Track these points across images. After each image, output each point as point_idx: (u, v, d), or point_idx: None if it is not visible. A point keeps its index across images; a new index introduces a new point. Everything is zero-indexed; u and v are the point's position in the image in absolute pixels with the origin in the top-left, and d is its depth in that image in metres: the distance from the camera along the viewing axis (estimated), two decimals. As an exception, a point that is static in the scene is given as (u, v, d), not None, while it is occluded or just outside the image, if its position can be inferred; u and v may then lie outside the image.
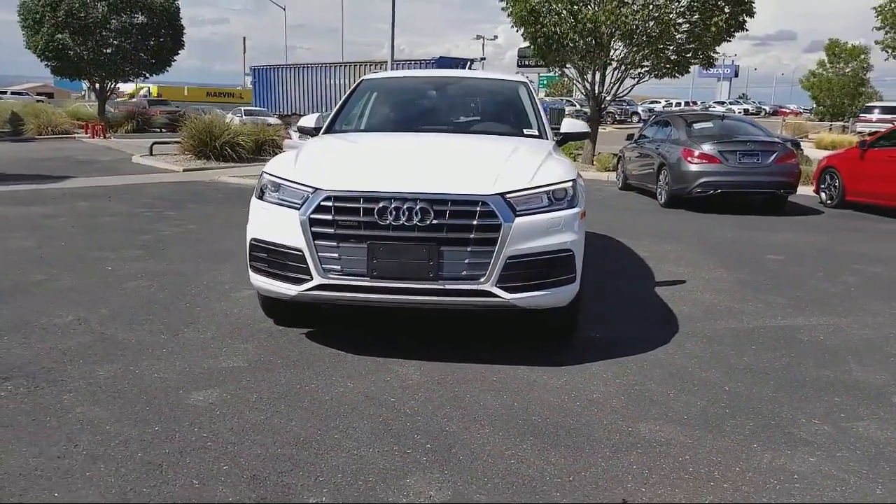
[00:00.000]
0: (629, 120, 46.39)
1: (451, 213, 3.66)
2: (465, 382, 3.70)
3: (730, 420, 3.35)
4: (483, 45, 54.61)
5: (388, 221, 3.65)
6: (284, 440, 3.00)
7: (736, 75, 74.26)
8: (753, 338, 4.63)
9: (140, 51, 27.91)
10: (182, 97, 49.73)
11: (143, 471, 2.72)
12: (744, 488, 2.73)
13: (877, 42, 18.59)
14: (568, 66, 17.33)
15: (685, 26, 15.58)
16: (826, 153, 17.45)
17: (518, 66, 40.87)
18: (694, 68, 19.57)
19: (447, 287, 3.70)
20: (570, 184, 4.01)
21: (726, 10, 14.78)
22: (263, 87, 35.88)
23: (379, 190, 3.70)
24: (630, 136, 13.98)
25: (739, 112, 48.47)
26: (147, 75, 29.86)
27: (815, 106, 43.64)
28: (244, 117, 26.81)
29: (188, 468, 2.75)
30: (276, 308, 4.47)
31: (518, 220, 3.70)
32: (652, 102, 55.44)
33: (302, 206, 3.79)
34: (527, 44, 17.21)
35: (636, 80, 16.98)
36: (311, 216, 3.73)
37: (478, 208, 3.67)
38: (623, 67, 16.50)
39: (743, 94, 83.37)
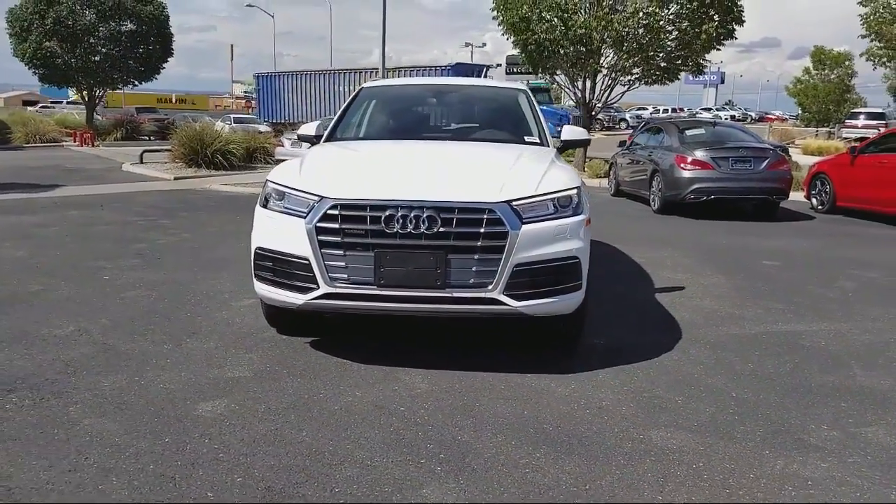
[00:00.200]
0: (617, 126, 46.65)
1: (458, 221, 3.66)
2: (473, 391, 3.69)
3: (740, 426, 3.36)
4: (472, 52, 54.80)
5: (395, 229, 3.64)
6: (297, 451, 2.98)
7: (722, 82, 74.95)
8: (756, 344, 4.65)
9: (129, 58, 27.82)
10: (127, 103, 47.53)
11: (156, 483, 2.69)
12: (760, 495, 2.74)
13: (862, 54, 18.83)
14: (558, 73, 17.41)
15: (675, 33, 15.71)
16: (813, 159, 17.65)
17: (506, 73, 40.99)
18: (681, 75, 19.72)
19: (455, 295, 3.70)
20: (574, 191, 4.02)
21: (716, 17, 14.92)
22: (267, 94, 35.34)
23: (386, 198, 3.69)
24: (622, 143, 14.05)
25: (726, 118, 48.85)
26: (136, 83, 29.74)
27: (800, 112, 44.12)
28: (234, 125, 26.74)
29: (202, 480, 2.72)
30: (279, 317, 4.44)
31: (525, 227, 3.71)
32: (639, 109, 55.76)
33: (308, 214, 3.77)
34: (515, 51, 17.28)
35: (626, 87, 17.09)
36: (318, 224, 3.72)
37: (485, 216, 3.67)
38: (613, 74, 16.60)
39: (729, 101, 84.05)
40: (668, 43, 15.60)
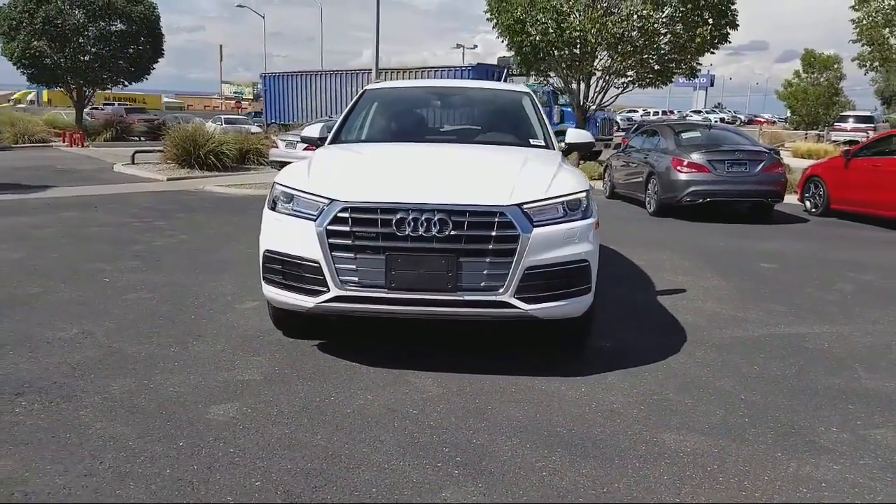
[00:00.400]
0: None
1: (470, 225, 3.66)
2: (484, 394, 3.70)
3: (750, 429, 3.39)
4: (463, 53, 54.87)
5: (406, 232, 3.64)
6: (313, 454, 2.97)
7: (711, 85, 75.35)
8: (760, 346, 4.68)
9: (118, 58, 27.63)
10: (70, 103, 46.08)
11: (173, 488, 2.67)
12: (776, 497, 2.76)
13: (854, 59, 19.00)
14: (552, 75, 17.47)
15: (668, 36, 15.80)
16: (803, 161, 17.80)
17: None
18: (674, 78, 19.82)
19: (466, 298, 3.70)
20: (583, 194, 4.04)
21: (710, 21, 15.02)
22: (273, 94, 34.91)
23: (397, 201, 3.69)
24: (617, 146, 14.11)
25: (716, 121, 49.24)
26: (126, 83, 29.55)
27: (789, 115, 44.46)
28: (224, 125, 26.63)
29: (219, 484, 2.71)
30: (287, 320, 4.43)
31: (536, 230, 3.72)
32: (630, 111, 56.02)
33: (318, 217, 3.77)
34: (505, 53, 17.34)
35: (620, 89, 17.17)
36: (328, 227, 3.71)
37: (496, 219, 3.68)
38: (607, 77, 16.67)
39: (719, 104, 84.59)
40: (663, 46, 15.68)
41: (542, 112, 5.48)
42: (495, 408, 3.52)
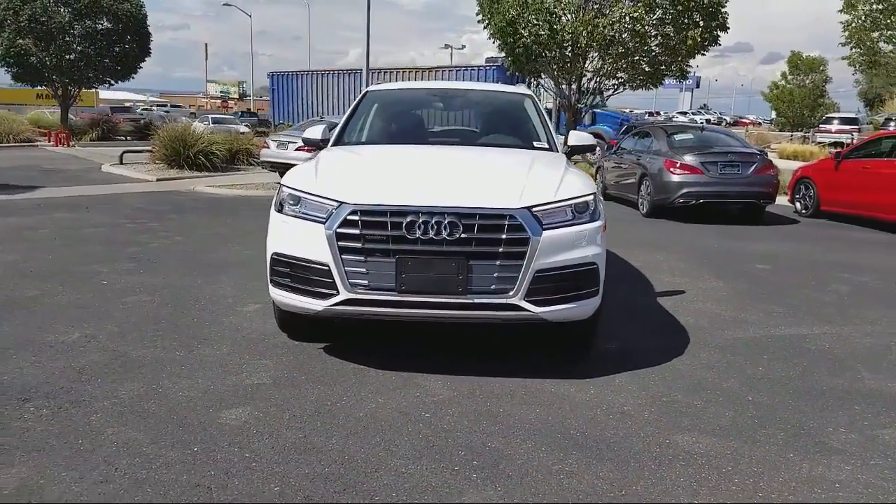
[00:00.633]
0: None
1: (480, 227, 3.67)
2: (494, 397, 3.70)
3: (760, 430, 3.42)
4: (451, 54, 54.86)
5: (416, 235, 3.64)
6: (329, 459, 2.96)
7: (697, 86, 75.85)
8: (763, 347, 4.72)
9: (105, 57, 27.36)
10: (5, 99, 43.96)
11: (192, 494, 2.66)
12: (791, 499, 2.79)
13: (844, 58, 19.24)
14: (543, 76, 17.52)
15: (659, 39, 15.89)
16: (789, 162, 17.97)
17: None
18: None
19: (476, 301, 3.70)
20: (591, 197, 4.05)
21: (700, 23, 15.12)
22: (281, 94, 34.47)
23: (407, 204, 3.68)
24: (609, 147, 14.17)
25: (702, 122, 49.58)
26: (112, 82, 29.27)
27: (775, 116, 44.85)
28: (211, 125, 26.45)
29: (238, 490, 2.69)
30: (293, 323, 4.41)
31: (545, 233, 3.73)
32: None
33: (327, 220, 3.75)
34: (493, 53, 17.43)
35: (610, 90, 17.24)
36: (338, 230, 3.70)
37: (506, 222, 3.68)
38: (598, 78, 16.75)
39: (704, 105, 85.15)
40: (654, 48, 15.77)
41: (545, 114, 5.49)
42: (507, 410, 3.53)
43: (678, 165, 10.76)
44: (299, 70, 34.91)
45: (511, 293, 3.70)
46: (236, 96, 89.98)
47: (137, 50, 28.16)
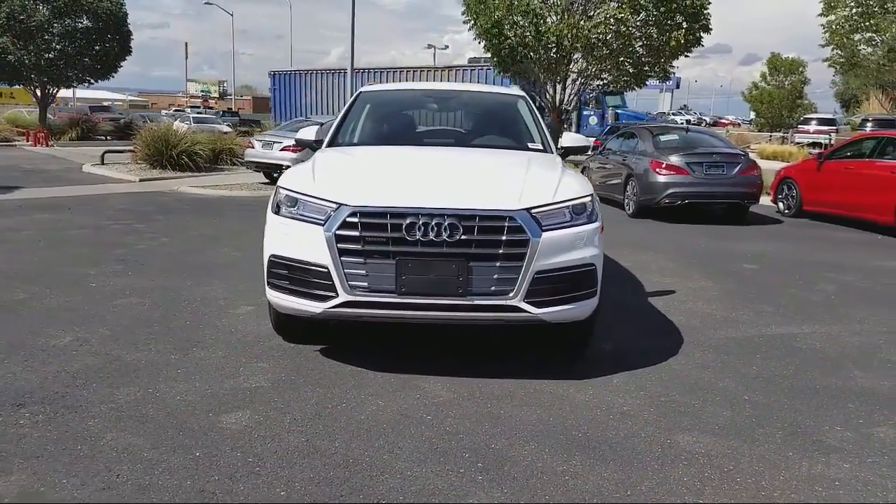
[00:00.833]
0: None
1: (480, 229, 3.67)
2: (494, 398, 3.71)
3: (758, 429, 3.45)
4: (434, 54, 54.85)
5: (416, 237, 3.63)
6: (333, 462, 2.95)
7: (677, 87, 76.34)
8: (755, 347, 4.77)
9: (85, 56, 27.01)
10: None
11: (197, 500, 2.63)
12: (794, 497, 2.82)
13: (825, 60, 19.54)
14: (528, 77, 17.57)
15: (643, 40, 16.01)
16: (769, 163, 18.18)
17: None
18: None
19: (476, 303, 3.71)
20: (588, 198, 4.08)
21: (684, 25, 15.26)
22: (282, 93, 34.11)
23: (407, 205, 3.68)
24: (594, 148, 14.25)
25: (682, 122, 49.98)
26: (92, 81, 28.90)
27: (754, 117, 45.38)
28: (193, 124, 26.22)
29: (244, 495, 2.67)
30: (288, 326, 4.38)
31: (545, 234, 3.74)
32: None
33: (326, 222, 3.73)
34: (476, 54, 17.47)
35: (595, 91, 17.33)
36: (337, 232, 3.68)
37: (506, 223, 3.69)
38: (583, 79, 16.83)
39: (684, 106, 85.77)
40: (638, 49, 15.89)
41: (539, 115, 5.51)
42: (508, 412, 3.54)
43: (664, 166, 10.84)
44: (301, 69, 34.66)
45: (511, 294, 3.71)
46: (217, 95, 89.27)
47: (118, 48, 27.85)
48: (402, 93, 6.38)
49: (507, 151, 4.97)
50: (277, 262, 3.94)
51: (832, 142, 26.30)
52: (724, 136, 13.05)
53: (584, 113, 20.95)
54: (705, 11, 15.54)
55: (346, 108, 5.55)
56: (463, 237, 3.64)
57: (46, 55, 26.21)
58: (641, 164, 11.27)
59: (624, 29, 15.41)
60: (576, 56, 16.30)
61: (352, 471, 2.88)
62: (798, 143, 30.64)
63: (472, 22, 16.00)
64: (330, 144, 5.15)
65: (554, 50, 15.75)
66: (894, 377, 4.25)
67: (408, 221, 3.63)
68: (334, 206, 3.75)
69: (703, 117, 70.36)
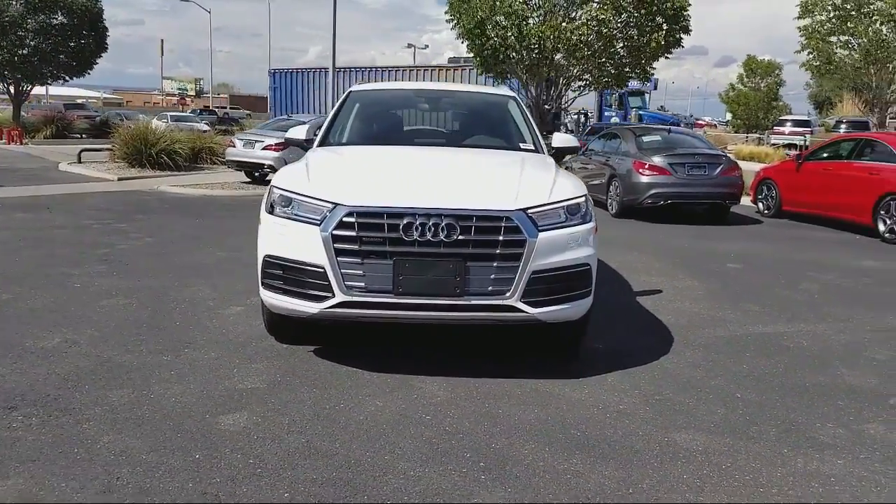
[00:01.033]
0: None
1: (477, 229, 3.67)
2: (492, 397, 3.72)
3: (753, 426, 3.50)
4: (414, 53, 54.82)
5: (413, 237, 3.63)
6: (335, 463, 2.94)
7: (655, 88, 77.05)
8: (743, 345, 4.84)
9: (60, 52, 26.55)
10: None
11: (200, 501, 2.60)
12: (791, 493, 2.86)
13: (802, 65, 19.87)
14: (510, 77, 17.63)
15: (623, 41, 16.14)
16: (745, 163, 18.39)
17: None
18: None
19: (473, 303, 3.71)
20: (583, 199, 4.11)
21: (664, 26, 15.40)
22: (282, 91, 33.82)
23: (404, 205, 3.67)
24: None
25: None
26: (67, 78, 28.42)
27: (730, 118, 45.97)
28: (171, 123, 25.92)
29: (248, 497, 2.65)
30: (282, 326, 4.35)
31: (541, 235, 3.76)
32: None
33: (322, 222, 3.72)
34: (453, 54, 17.52)
35: (577, 92, 17.44)
36: (334, 232, 3.67)
37: (502, 224, 3.70)
38: (565, 80, 16.92)
39: (661, 107, 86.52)
40: (619, 50, 16.01)
41: (530, 116, 5.53)
42: (506, 411, 3.55)
43: (647, 167, 10.94)
44: (301, 67, 34.52)
45: (508, 294, 3.72)
46: (193, 93, 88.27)
47: (93, 45, 27.39)
48: (392, 92, 6.37)
49: (501, 152, 4.98)
50: (272, 263, 3.91)
51: (807, 143, 26.75)
52: (704, 137, 13.18)
53: (606, 114, 20.72)
54: (685, 13, 15.72)
55: (336, 107, 5.53)
56: (460, 237, 3.64)
57: (20, 51, 25.71)
58: (624, 165, 11.36)
59: (605, 30, 15.51)
60: (557, 57, 16.38)
61: (355, 472, 2.88)
62: (774, 145, 31.10)
63: (456, 21, 16.03)
64: (321, 144, 5.13)
65: (536, 51, 15.81)
66: (880, 375, 4.33)
67: (405, 221, 3.63)
68: (330, 205, 3.74)
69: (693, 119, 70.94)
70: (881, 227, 9.57)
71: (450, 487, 2.79)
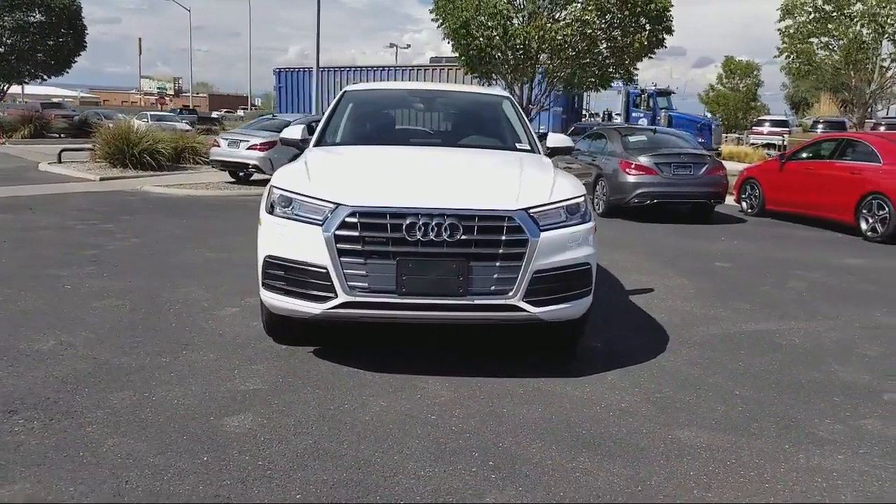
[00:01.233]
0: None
1: (480, 229, 3.69)
2: (495, 397, 3.73)
3: (753, 423, 3.55)
4: (396, 53, 54.73)
5: (416, 237, 3.64)
6: (345, 464, 2.93)
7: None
8: (738, 343, 4.90)
9: (38, 51, 26.16)
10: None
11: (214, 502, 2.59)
12: (796, 488, 2.91)
13: (782, 68, 20.17)
14: (495, 76, 17.68)
15: (607, 42, 16.26)
16: (727, 163, 18.60)
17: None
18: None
19: (476, 302, 3.73)
20: (582, 199, 4.13)
21: (647, 27, 15.53)
22: (288, 91, 33.61)
23: (407, 205, 3.67)
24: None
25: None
26: (45, 77, 28.01)
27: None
28: (151, 122, 25.64)
29: (260, 499, 2.64)
30: (281, 327, 4.33)
31: (543, 234, 3.78)
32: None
33: (324, 222, 3.71)
34: (434, 53, 17.56)
35: (560, 92, 17.51)
36: (337, 233, 3.66)
37: (505, 223, 3.72)
38: (549, 80, 16.99)
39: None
40: (603, 51, 16.12)
41: (524, 116, 5.56)
42: (510, 410, 3.56)
43: (633, 166, 11.03)
44: (307, 66, 34.31)
45: (510, 294, 3.74)
46: (172, 93, 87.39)
47: (72, 43, 27.04)
48: (387, 92, 6.36)
49: (498, 152, 5.00)
50: (273, 263, 3.90)
51: (785, 143, 27.12)
52: (688, 137, 13.31)
53: (634, 115, 20.20)
54: (668, 13, 15.87)
55: (331, 107, 5.51)
56: (463, 237, 3.65)
57: (-4, 50, 25.34)
58: (611, 165, 11.45)
59: (589, 31, 15.61)
60: (542, 57, 16.46)
61: (365, 472, 2.87)
62: (753, 144, 31.51)
63: (441, 21, 16.05)
64: (318, 144, 5.11)
65: (521, 51, 15.86)
66: (873, 371, 4.41)
67: (408, 222, 3.63)
68: (332, 205, 3.73)
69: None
70: (863, 226, 9.73)
71: (461, 487, 2.80)
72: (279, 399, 3.59)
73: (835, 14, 18.22)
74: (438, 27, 16.20)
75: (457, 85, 12.04)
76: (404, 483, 2.80)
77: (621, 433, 3.36)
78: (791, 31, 19.20)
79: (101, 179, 14.71)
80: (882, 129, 26.10)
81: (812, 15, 18.47)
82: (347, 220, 3.67)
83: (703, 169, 11.10)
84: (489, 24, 15.62)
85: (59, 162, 17.09)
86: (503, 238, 3.70)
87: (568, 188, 4.16)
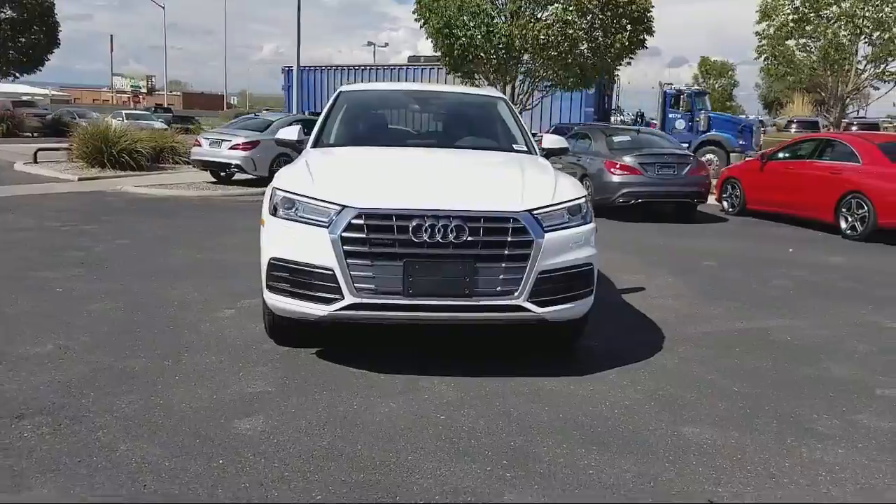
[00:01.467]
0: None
1: (486, 230, 3.72)
2: (501, 396, 3.77)
3: (755, 419, 3.63)
4: (374, 51, 54.58)
5: (422, 239, 3.66)
6: (362, 465, 2.95)
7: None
8: (731, 341, 5.00)
9: (9, 48, 25.67)
10: None
11: (234, 507, 2.59)
12: (802, 482, 2.99)
13: (761, 69, 20.49)
14: (478, 76, 17.73)
15: (588, 43, 16.39)
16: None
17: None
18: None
19: (482, 303, 3.76)
20: (583, 200, 4.19)
21: (628, 27, 15.69)
22: (297, 89, 33.46)
23: (413, 207, 3.70)
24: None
25: (619, 123, 51.15)
26: (17, 75, 27.50)
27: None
28: (125, 121, 25.30)
29: (281, 501, 2.65)
30: (283, 329, 4.33)
31: (547, 235, 3.83)
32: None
33: (330, 224, 3.72)
34: (411, 52, 17.55)
35: (543, 92, 17.63)
36: (343, 234, 3.67)
37: (510, 225, 3.76)
38: (532, 80, 17.09)
39: (617, 106, 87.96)
40: (585, 52, 16.26)
41: (520, 117, 5.60)
42: (518, 410, 3.61)
43: (618, 166, 11.15)
44: (316, 65, 34.00)
45: (515, 294, 3.78)
46: (145, 91, 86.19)
47: (45, 41, 26.57)
48: (383, 93, 6.36)
49: (497, 153, 5.04)
50: (278, 265, 3.89)
51: (760, 142, 27.56)
52: (670, 137, 13.49)
53: (670, 116, 19.54)
54: (649, 14, 16.06)
55: (327, 107, 5.50)
56: (469, 238, 3.69)
57: (-33, 47, 24.83)
58: (595, 165, 11.55)
59: (571, 31, 15.73)
60: (525, 57, 16.54)
61: (382, 473, 2.90)
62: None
63: (424, 21, 16.06)
64: (315, 145, 5.10)
65: (503, 51, 15.94)
66: (864, 367, 4.52)
67: (415, 223, 3.65)
68: (338, 208, 3.74)
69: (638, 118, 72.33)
70: (843, 225, 9.94)
71: (478, 486, 2.83)
72: (288, 401, 3.60)
73: (812, 15, 18.56)
74: (421, 27, 16.25)
75: (451, 86, 12.05)
76: (423, 483, 2.83)
77: (628, 431, 3.42)
78: (770, 32, 19.52)
79: (80, 179, 14.49)
80: (854, 128, 26.72)
81: (790, 16, 18.78)
82: (354, 221, 3.68)
83: (687, 169, 11.25)
84: (471, 23, 15.67)
85: (35, 162, 16.80)
86: (509, 239, 3.74)
87: (570, 189, 4.21)
